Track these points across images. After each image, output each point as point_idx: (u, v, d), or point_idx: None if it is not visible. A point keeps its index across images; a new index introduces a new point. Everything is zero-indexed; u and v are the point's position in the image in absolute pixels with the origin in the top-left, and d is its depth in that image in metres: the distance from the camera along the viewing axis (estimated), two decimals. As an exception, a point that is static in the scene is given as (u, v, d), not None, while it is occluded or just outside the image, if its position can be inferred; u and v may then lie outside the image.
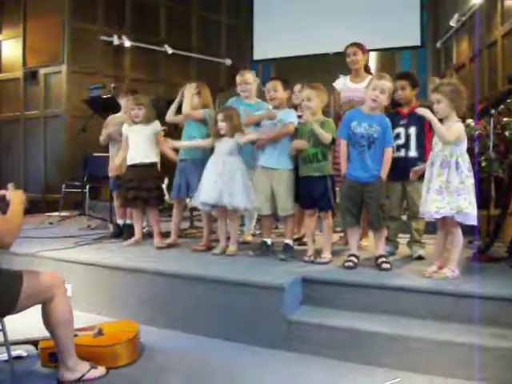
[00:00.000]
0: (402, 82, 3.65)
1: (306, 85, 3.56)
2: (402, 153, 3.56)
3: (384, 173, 3.28)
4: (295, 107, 4.19)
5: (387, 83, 3.29)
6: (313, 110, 3.50)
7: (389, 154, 3.30)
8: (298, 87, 4.20)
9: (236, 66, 8.53)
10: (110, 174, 4.54)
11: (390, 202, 3.58)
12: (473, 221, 2.93)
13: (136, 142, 4.18)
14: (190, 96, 4.07)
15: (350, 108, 3.74)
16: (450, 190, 2.92)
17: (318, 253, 3.54)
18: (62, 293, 2.31)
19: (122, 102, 4.74)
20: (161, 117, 4.32)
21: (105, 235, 4.60)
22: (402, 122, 3.59)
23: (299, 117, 3.83)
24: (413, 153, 3.57)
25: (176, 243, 4.18)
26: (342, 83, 4.09)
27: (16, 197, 2.28)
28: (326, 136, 3.40)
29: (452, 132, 2.93)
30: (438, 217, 2.98)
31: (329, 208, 3.49)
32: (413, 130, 3.57)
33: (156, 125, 4.22)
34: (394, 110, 3.73)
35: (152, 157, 4.22)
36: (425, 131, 3.54)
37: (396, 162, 3.36)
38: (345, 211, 3.36)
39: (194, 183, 3.95)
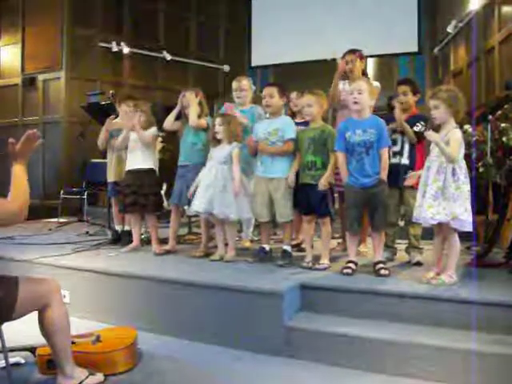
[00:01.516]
0: (404, 87, 3.67)
1: (306, 91, 3.58)
2: (397, 159, 3.56)
3: (384, 174, 3.27)
4: (293, 114, 4.19)
5: (361, 82, 3.32)
6: (313, 116, 3.51)
7: (385, 155, 3.29)
8: (294, 94, 4.20)
9: (234, 72, 8.54)
10: (109, 180, 4.53)
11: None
12: (468, 227, 2.93)
13: (134, 148, 4.19)
14: (195, 106, 4.07)
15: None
16: (445, 196, 2.92)
17: (316, 259, 3.54)
18: (58, 299, 2.30)
19: (119, 108, 4.74)
20: (159, 123, 4.33)
21: (103, 241, 4.59)
22: (399, 129, 3.60)
23: (296, 124, 3.84)
24: (405, 160, 3.59)
25: (174, 249, 4.18)
26: (341, 88, 4.10)
27: (18, 169, 2.24)
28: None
29: (454, 147, 2.91)
30: (434, 223, 2.97)
31: (327, 214, 3.49)
32: (408, 139, 3.57)
33: (153, 129, 4.23)
34: (392, 115, 3.73)
35: (150, 162, 4.22)
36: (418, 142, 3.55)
37: (391, 168, 3.35)
38: (352, 219, 3.36)
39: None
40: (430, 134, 2.98)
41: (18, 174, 2.22)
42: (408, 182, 3.37)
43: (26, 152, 2.27)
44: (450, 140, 2.93)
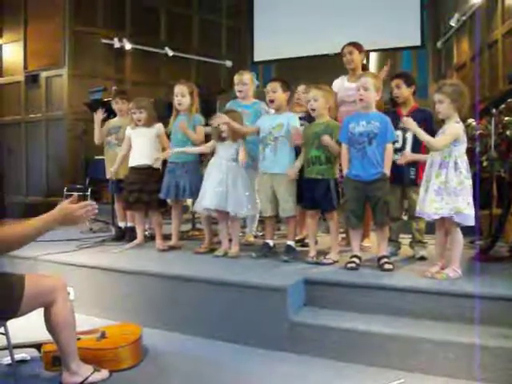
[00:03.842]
0: (397, 80, 3.67)
1: (312, 86, 3.56)
2: (398, 156, 3.54)
3: (387, 169, 3.25)
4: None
5: (367, 79, 3.29)
6: (318, 111, 3.51)
7: (390, 149, 3.27)
8: (302, 87, 4.18)
9: (237, 68, 8.53)
10: (108, 177, 4.52)
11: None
12: (471, 222, 2.92)
13: (139, 145, 4.18)
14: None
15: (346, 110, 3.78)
16: (448, 191, 2.91)
17: (319, 254, 3.54)
18: (64, 296, 2.31)
19: (115, 106, 4.72)
20: (161, 119, 4.32)
21: (107, 238, 4.61)
22: (400, 125, 3.57)
23: (301, 118, 3.83)
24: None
25: (178, 245, 4.19)
26: (340, 84, 4.09)
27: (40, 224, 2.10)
28: (336, 149, 3.42)
29: (445, 137, 2.92)
30: (437, 218, 2.97)
31: (331, 209, 3.49)
32: (410, 135, 3.54)
33: (159, 128, 4.22)
34: (393, 110, 3.73)
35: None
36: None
37: (393, 164, 3.31)
38: (349, 213, 3.36)
39: (184, 185, 4.00)
40: (407, 122, 3.03)
41: (35, 225, 2.09)
42: (400, 161, 3.32)
43: (73, 218, 2.16)
44: (446, 130, 2.94)
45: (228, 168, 3.75)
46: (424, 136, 2.97)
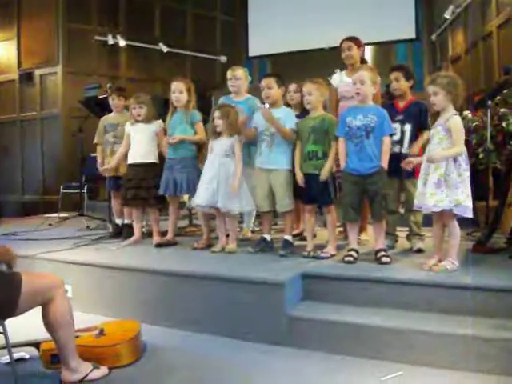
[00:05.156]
0: (396, 73, 3.65)
1: (306, 80, 3.55)
2: (397, 149, 3.54)
3: (384, 162, 3.25)
4: (289, 105, 4.16)
5: (363, 72, 3.29)
6: (313, 105, 3.50)
7: (387, 142, 3.27)
8: (293, 87, 4.17)
9: (232, 63, 8.48)
10: (103, 173, 4.49)
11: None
12: (469, 213, 2.93)
13: (138, 141, 4.18)
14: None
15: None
16: (448, 184, 2.91)
17: (317, 248, 3.54)
18: (61, 294, 2.31)
19: (112, 102, 4.71)
20: (158, 116, 4.31)
21: (104, 235, 4.60)
22: (397, 118, 3.57)
23: (298, 116, 3.82)
24: (406, 150, 3.56)
25: (174, 240, 4.18)
26: (339, 79, 4.07)
27: None
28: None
29: (458, 138, 2.91)
30: (437, 210, 2.97)
31: (329, 203, 3.49)
32: (408, 127, 3.55)
33: (158, 125, 4.22)
34: (390, 103, 3.72)
35: (153, 156, 4.21)
36: (417, 129, 3.55)
37: (391, 157, 3.32)
38: (347, 207, 3.35)
39: (181, 181, 4.00)
40: (433, 157, 2.94)
41: None
42: (405, 165, 3.31)
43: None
44: (452, 131, 2.92)
45: (220, 164, 3.73)
46: (452, 153, 2.92)
